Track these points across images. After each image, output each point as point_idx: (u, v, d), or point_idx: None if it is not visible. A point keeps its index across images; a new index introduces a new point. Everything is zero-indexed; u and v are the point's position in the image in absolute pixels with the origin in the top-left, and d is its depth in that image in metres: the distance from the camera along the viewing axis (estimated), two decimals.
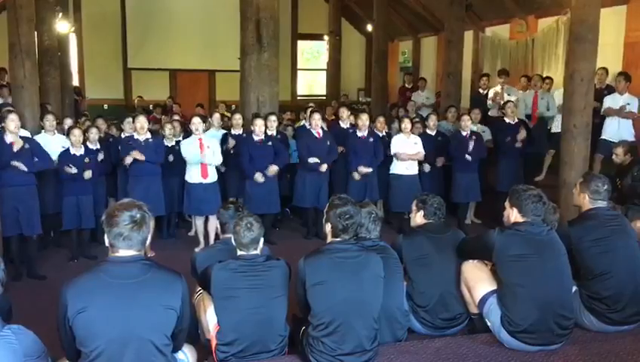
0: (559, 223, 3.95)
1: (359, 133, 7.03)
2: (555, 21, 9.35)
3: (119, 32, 14.69)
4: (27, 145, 5.55)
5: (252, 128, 6.53)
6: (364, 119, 7.07)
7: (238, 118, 7.03)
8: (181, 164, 6.45)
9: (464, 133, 7.21)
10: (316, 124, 6.91)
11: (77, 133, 6.05)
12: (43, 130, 6.33)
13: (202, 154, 6.22)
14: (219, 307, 3.17)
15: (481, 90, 9.73)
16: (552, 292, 3.27)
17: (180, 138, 6.88)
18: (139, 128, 6.30)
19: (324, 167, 6.78)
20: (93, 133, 6.37)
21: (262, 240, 3.29)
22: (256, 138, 6.49)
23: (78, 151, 6.01)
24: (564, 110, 6.40)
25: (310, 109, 7.81)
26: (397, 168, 7.08)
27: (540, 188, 3.49)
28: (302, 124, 8.34)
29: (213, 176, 6.39)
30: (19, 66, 6.86)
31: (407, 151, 6.98)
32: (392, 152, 7.03)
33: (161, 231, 6.83)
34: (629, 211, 5.14)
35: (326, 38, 15.58)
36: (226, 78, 14.23)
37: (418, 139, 7.16)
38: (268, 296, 3.15)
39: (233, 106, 11.07)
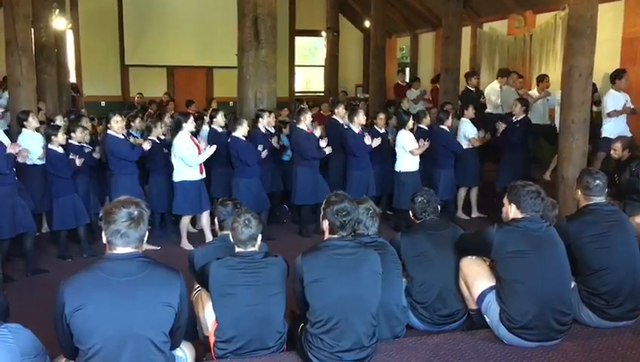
0: (558, 219, 3.95)
1: (356, 130, 7.02)
2: (552, 16, 9.34)
3: (116, 29, 14.66)
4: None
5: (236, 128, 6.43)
6: (360, 116, 7.05)
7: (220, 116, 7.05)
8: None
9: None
10: (307, 122, 6.90)
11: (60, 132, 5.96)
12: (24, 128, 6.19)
13: (200, 151, 6.21)
14: (217, 304, 3.16)
15: (469, 88, 9.55)
16: (551, 288, 3.27)
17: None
18: (118, 128, 6.19)
19: (327, 149, 6.84)
20: (78, 134, 6.25)
21: (260, 236, 3.28)
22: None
23: (60, 149, 5.90)
24: (562, 106, 6.39)
25: (299, 109, 7.57)
26: (407, 165, 7.03)
27: (538, 184, 3.49)
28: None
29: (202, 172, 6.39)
30: (15, 63, 6.86)
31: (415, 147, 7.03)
32: (408, 149, 6.96)
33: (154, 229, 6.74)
34: (627, 207, 5.14)
35: (324, 34, 15.56)
36: (224, 75, 14.23)
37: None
38: (266, 292, 3.15)
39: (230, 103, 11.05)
